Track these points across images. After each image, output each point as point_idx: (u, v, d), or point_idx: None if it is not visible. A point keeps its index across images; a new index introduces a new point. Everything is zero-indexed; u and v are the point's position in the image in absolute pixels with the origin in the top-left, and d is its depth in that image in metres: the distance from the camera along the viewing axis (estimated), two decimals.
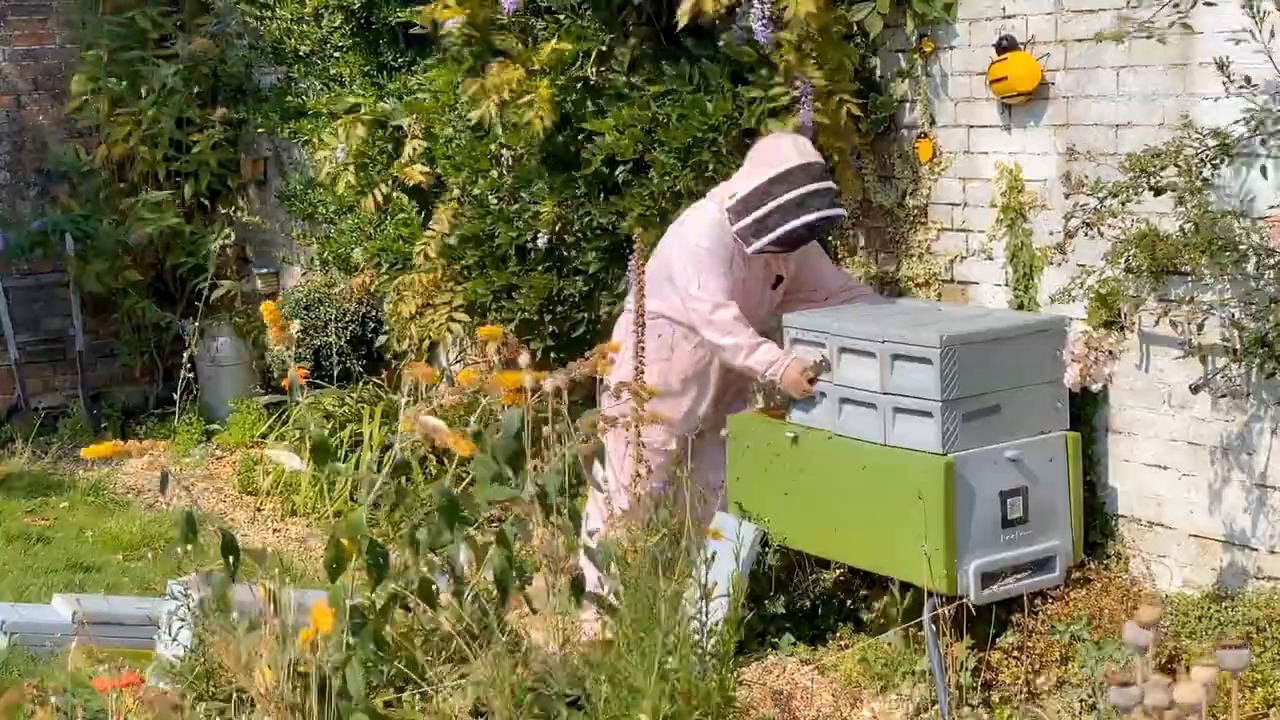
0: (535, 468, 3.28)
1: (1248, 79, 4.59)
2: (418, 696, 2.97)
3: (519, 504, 3.15)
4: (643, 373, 4.21)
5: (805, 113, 5.70)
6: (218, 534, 3.08)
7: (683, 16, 5.81)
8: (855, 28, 5.84)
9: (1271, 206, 4.69)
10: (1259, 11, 4.48)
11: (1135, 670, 2.76)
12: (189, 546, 2.96)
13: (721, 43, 5.96)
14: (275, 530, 7.67)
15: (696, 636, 3.60)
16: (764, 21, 5.63)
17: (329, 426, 7.74)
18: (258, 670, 2.76)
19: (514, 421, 3.09)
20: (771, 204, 5.40)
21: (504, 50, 6.54)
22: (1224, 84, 4.62)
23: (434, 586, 3.12)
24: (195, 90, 9.52)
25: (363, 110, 7.89)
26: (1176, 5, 4.76)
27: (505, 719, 3.03)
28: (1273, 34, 4.54)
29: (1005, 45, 5.45)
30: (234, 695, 3.10)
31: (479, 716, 2.98)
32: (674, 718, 3.22)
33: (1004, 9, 5.51)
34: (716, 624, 3.84)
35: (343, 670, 2.77)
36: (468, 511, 3.08)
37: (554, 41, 6.45)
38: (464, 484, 3.35)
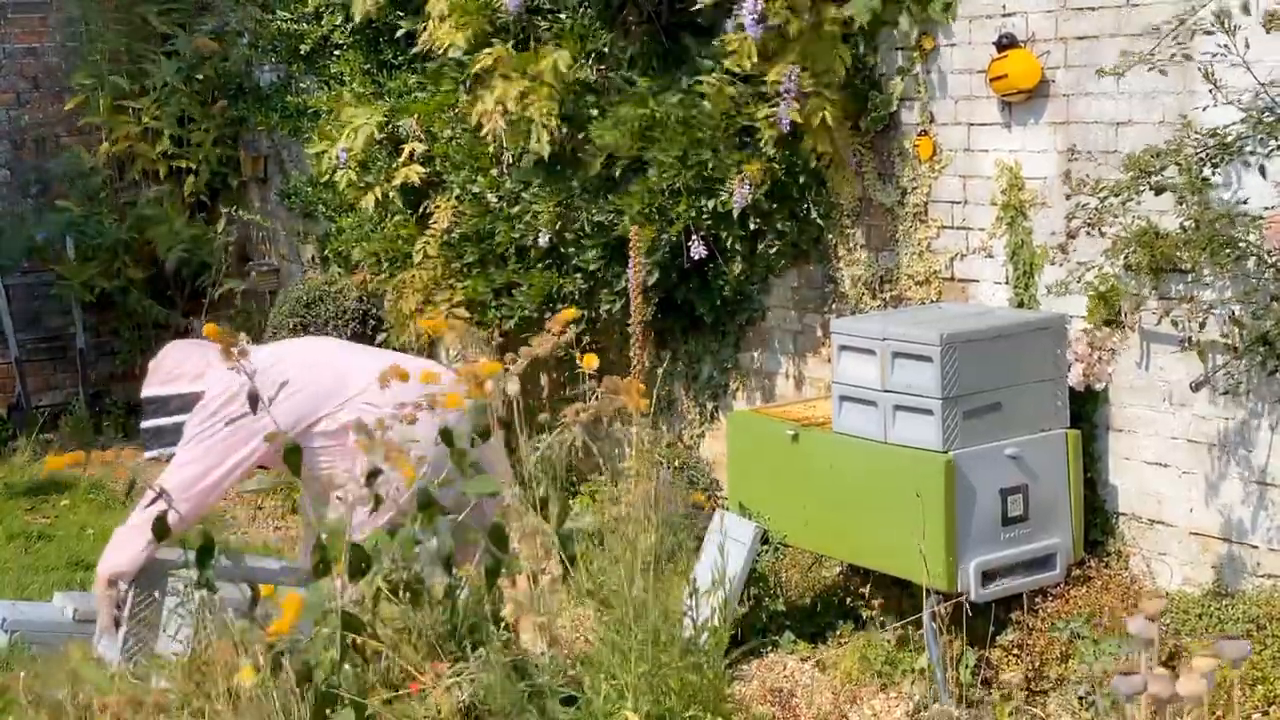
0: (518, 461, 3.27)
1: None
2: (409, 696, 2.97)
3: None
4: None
5: (783, 109, 5.70)
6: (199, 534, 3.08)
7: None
8: (852, 24, 5.82)
9: (1268, 207, 4.68)
10: (1231, 27, 4.50)
11: (1138, 662, 2.75)
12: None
13: (717, 41, 5.96)
14: (275, 529, 7.67)
15: (689, 634, 3.59)
16: (755, 17, 5.62)
17: None
18: (243, 669, 2.76)
19: (478, 409, 3.11)
20: None
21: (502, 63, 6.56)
22: (1210, 92, 4.64)
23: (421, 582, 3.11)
24: (196, 89, 9.52)
25: (363, 118, 7.88)
26: (1176, 38, 4.75)
27: (500, 716, 3.03)
28: (1248, 45, 4.55)
29: (1005, 43, 5.44)
30: (228, 692, 3.10)
31: (472, 714, 2.97)
32: (667, 715, 3.22)
33: (1004, 7, 5.50)
34: (708, 621, 3.84)
35: (336, 670, 2.77)
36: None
37: (551, 48, 6.45)
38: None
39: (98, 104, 9.56)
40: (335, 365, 5.08)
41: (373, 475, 3.20)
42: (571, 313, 3.45)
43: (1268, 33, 4.49)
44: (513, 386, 3.27)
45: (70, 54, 9.87)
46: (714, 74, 5.96)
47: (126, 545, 5.11)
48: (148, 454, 5.35)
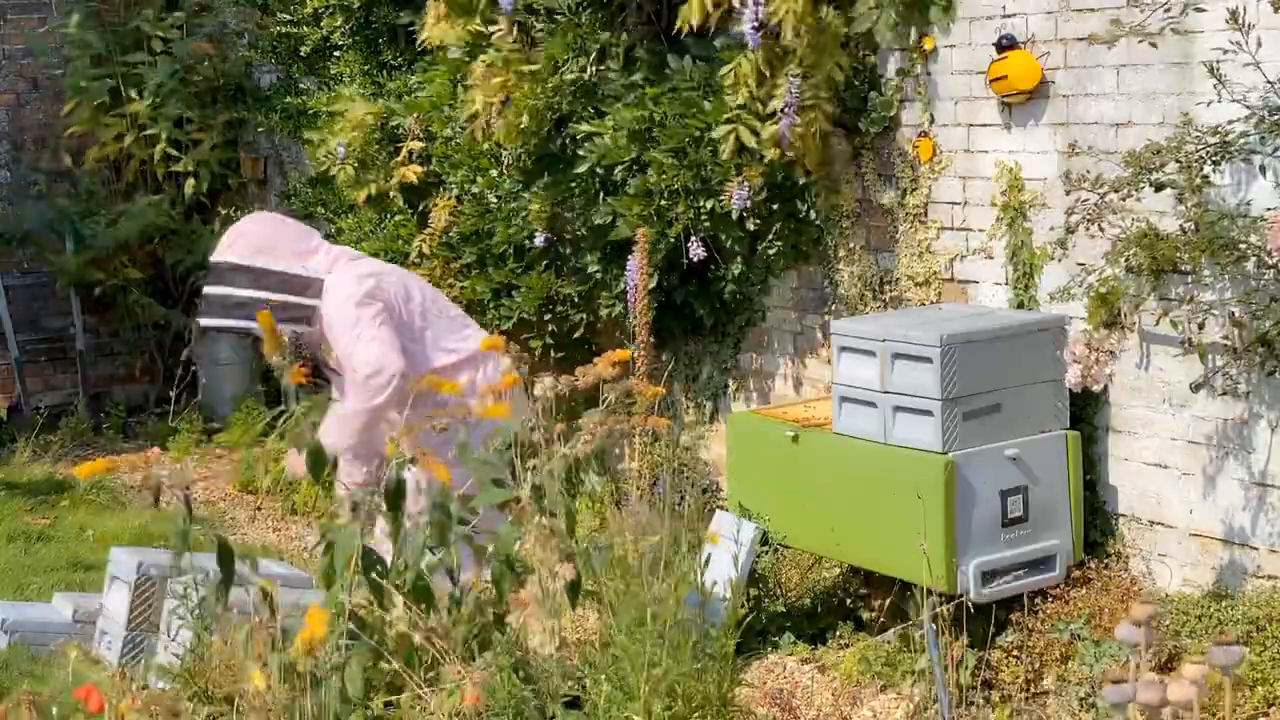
0: (533, 468, 3.28)
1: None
2: (415, 698, 2.98)
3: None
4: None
5: (784, 124, 5.71)
6: (212, 538, 3.08)
7: (683, 22, 5.84)
8: (868, 36, 5.83)
9: (1270, 208, 4.68)
10: (1244, 24, 4.49)
11: (1131, 668, 2.76)
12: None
13: (719, 44, 5.96)
14: (275, 530, 7.66)
15: (695, 637, 3.59)
16: (754, 25, 5.62)
17: None
18: (251, 673, 2.76)
19: (509, 431, 3.10)
20: None
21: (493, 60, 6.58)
22: (1215, 88, 4.63)
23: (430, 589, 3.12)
24: (194, 90, 9.50)
25: (363, 113, 7.88)
26: (1167, 9, 4.75)
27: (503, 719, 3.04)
28: (1259, 43, 4.55)
29: (1005, 44, 5.44)
30: (233, 696, 3.10)
31: (477, 717, 2.98)
32: (673, 718, 3.22)
33: (1004, 8, 5.51)
34: (714, 624, 3.84)
35: (340, 673, 2.78)
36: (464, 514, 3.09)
37: (544, 46, 6.48)
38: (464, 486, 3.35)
39: (88, 108, 9.54)
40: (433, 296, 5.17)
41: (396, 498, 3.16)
42: (624, 354, 3.45)
43: (1275, 11, 4.47)
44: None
45: (64, 58, 9.85)
46: (710, 103, 5.99)
47: (342, 427, 4.71)
48: (204, 321, 4.95)
